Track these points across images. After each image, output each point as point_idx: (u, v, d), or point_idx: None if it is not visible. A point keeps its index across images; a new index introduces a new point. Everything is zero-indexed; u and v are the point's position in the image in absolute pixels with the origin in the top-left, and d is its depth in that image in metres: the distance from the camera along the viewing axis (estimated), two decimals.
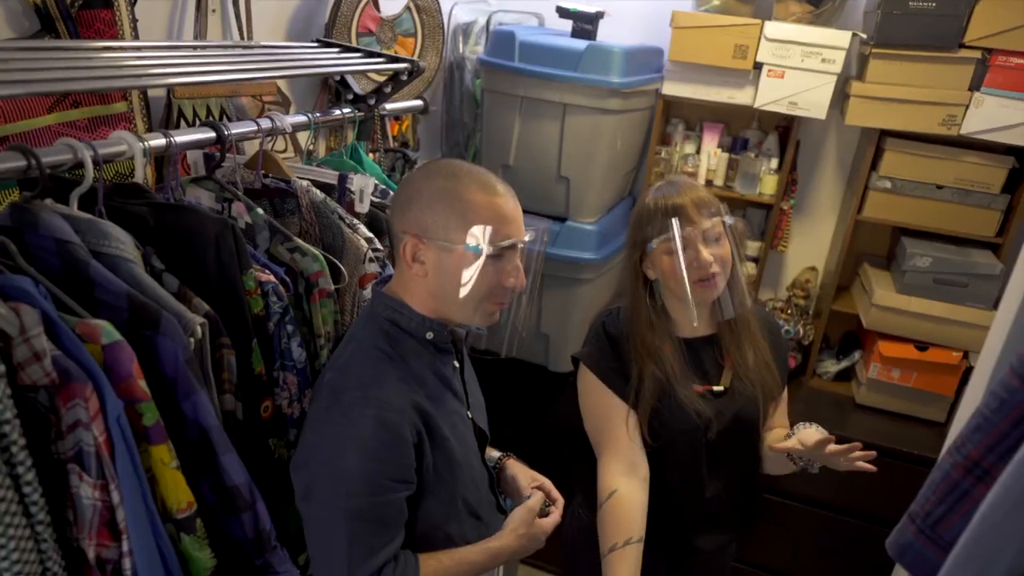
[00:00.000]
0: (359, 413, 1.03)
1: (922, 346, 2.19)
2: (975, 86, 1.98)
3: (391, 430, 1.03)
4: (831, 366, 2.44)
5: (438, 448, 1.10)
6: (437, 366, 1.15)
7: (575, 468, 1.56)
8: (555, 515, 1.26)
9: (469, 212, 1.06)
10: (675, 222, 1.28)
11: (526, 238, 1.13)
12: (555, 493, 1.31)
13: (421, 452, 1.07)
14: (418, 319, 1.12)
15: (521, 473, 1.32)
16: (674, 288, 1.32)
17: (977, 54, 1.95)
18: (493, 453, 1.35)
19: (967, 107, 1.99)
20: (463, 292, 1.08)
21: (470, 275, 1.07)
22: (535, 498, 1.25)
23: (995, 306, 2.06)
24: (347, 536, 1.03)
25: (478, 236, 1.06)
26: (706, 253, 1.28)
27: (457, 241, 1.06)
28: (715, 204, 1.32)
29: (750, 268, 2.43)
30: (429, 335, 1.13)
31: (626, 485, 1.34)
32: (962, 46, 1.97)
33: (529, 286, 1.26)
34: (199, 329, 1.06)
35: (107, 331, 0.94)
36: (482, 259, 1.06)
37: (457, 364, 1.21)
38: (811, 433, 1.32)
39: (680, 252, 1.28)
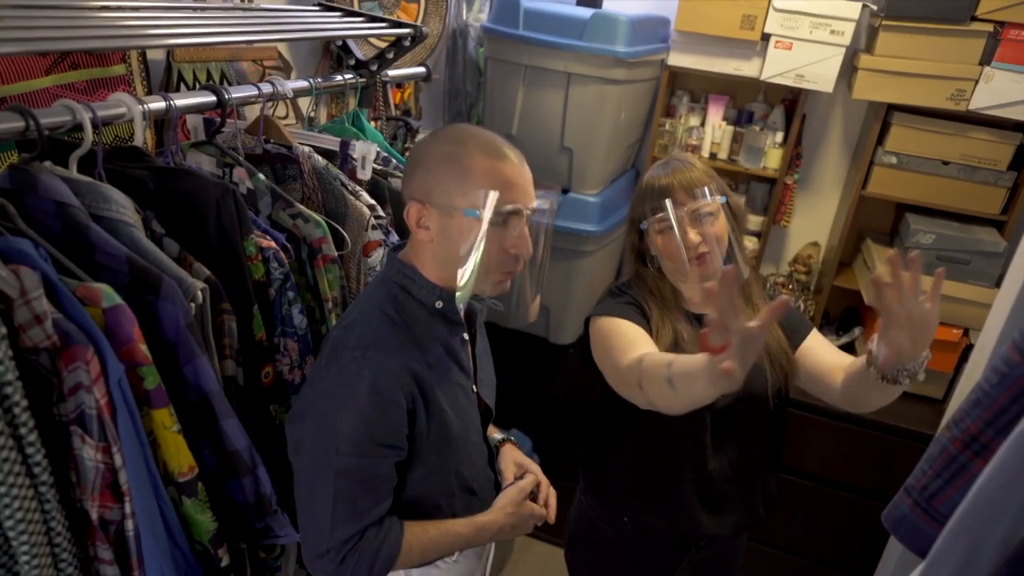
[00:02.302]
0: (355, 373, 1.02)
1: None
2: (985, 60, 1.95)
3: (384, 393, 1.03)
4: (831, 342, 2.44)
5: (433, 418, 1.09)
6: (444, 336, 1.14)
7: (578, 451, 1.55)
8: (545, 510, 1.26)
9: (470, 176, 1.03)
10: (668, 203, 1.28)
11: (534, 205, 1.09)
12: (544, 484, 1.30)
13: (414, 419, 1.07)
14: (428, 287, 1.11)
15: (510, 459, 1.31)
16: (669, 267, 1.34)
17: (989, 27, 1.92)
18: (496, 435, 1.35)
19: (976, 82, 1.96)
20: (467, 260, 1.05)
21: (471, 242, 1.04)
22: (527, 479, 1.25)
23: (997, 284, 2.05)
24: (332, 494, 1.03)
25: (477, 201, 1.03)
26: (693, 234, 1.27)
27: (458, 206, 1.03)
28: (709, 183, 1.30)
29: (752, 243, 2.43)
30: (438, 304, 1.12)
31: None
32: (973, 19, 1.94)
33: (541, 255, 1.21)
34: (200, 294, 1.06)
35: (108, 295, 0.94)
36: (483, 226, 1.02)
37: (467, 337, 1.19)
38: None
39: (675, 229, 1.28)
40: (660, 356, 1.17)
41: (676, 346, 1.34)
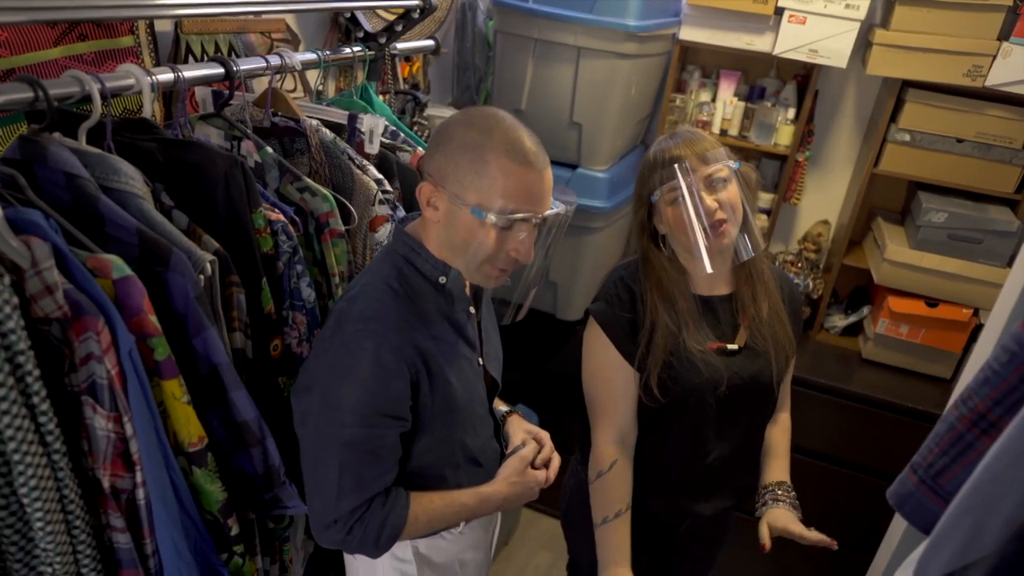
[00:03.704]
0: (358, 345, 1.03)
1: (932, 302, 2.17)
2: (1004, 35, 1.92)
3: (386, 365, 1.03)
4: (839, 320, 2.44)
5: (438, 389, 1.10)
6: (448, 310, 1.14)
7: (573, 426, 1.55)
8: (546, 472, 1.27)
9: (487, 176, 1.01)
10: (677, 168, 1.24)
11: (546, 213, 1.07)
12: (548, 448, 1.31)
13: (418, 390, 1.08)
14: (433, 262, 1.11)
15: (519, 428, 1.32)
16: (682, 240, 1.28)
17: (1008, 1, 1.88)
18: (501, 407, 1.35)
19: (994, 57, 1.93)
20: (464, 253, 1.07)
21: (471, 238, 1.05)
22: (528, 448, 1.26)
23: (1009, 264, 2.04)
24: (338, 465, 1.05)
25: (486, 202, 1.02)
26: (709, 200, 1.24)
27: (468, 200, 1.03)
28: (718, 145, 1.28)
29: (762, 220, 2.41)
30: (442, 279, 1.12)
31: (622, 456, 1.36)
32: None
33: (543, 259, 1.23)
34: (209, 266, 1.07)
35: (118, 266, 0.94)
36: (486, 227, 1.03)
37: (472, 311, 1.19)
38: (781, 518, 1.40)
39: (688, 198, 1.24)
40: (616, 493, 1.37)
41: (675, 347, 1.32)
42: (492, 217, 1.02)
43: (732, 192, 1.26)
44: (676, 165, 1.24)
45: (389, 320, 1.06)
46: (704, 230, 1.25)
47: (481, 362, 1.22)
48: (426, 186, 1.06)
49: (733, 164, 1.27)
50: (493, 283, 1.13)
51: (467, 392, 1.16)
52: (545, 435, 1.33)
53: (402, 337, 1.06)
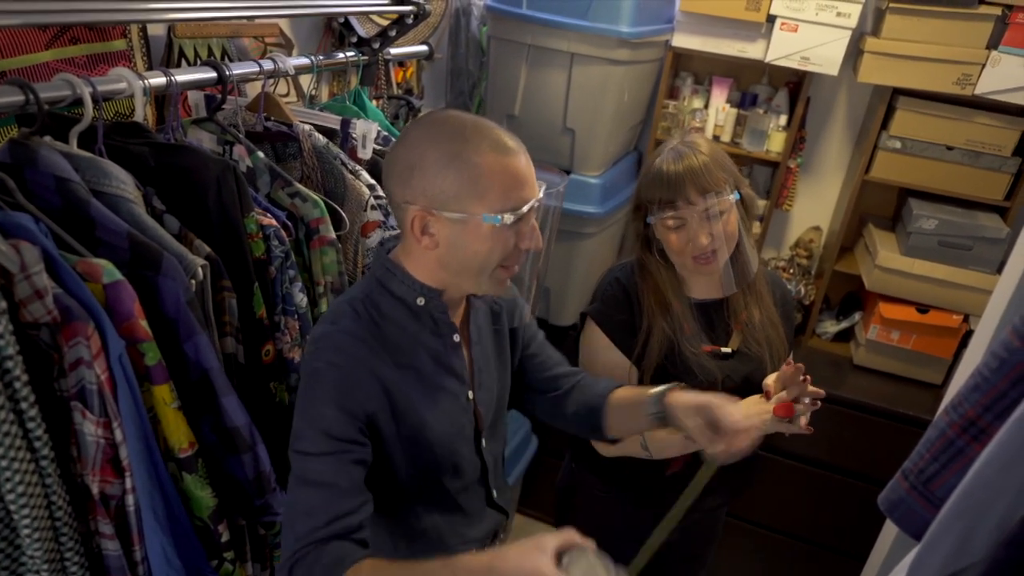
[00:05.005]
0: (310, 367, 0.97)
1: (923, 308, 2.19)
2: (993, 44, 1.94)
3: (335, 386, 0.95)
4: (830, 326, 2.45)
5: (404, 422, 1.00)
6: (426, 338, 1.04)
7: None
8: None
9: (483, 178, 0.94)
10: (676, 202, 1.24)
11: (542, 193, 1.02)
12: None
13: (376, 420, 0.98)
14: (409, 282, 1.02)
15: (689, 407, 1.04)
16: (676, 261, 1.32)
17: (996, 11, 1.90)
18: (653, 390, 1.11)
19: (983, 66, 1.95)
20: (479, 263, 0.98)
21: (488, 245, 0.97)
22: (559, 538, 0.82)
23: (999, 270, 2.05)
24: (293, 499, 0.94)
25: (497, 205, 0.95)
26: (703, 237, 1.24)
27: (474, 211, 0.95)
28: (721, 175, 1.25)
29: (754, 226, 2.41)
30: (420, 301, 1.02)
31: None
32: (981, 2, 1.92)
33: (545, 246, 1.15)
34: (200, 271, 1.06)
35: (108, 270, 0.94)
36: (502, 229, 0.96)
37: (456, 339, 1.07)
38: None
39: (685, 230, 1.26)
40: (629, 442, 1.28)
41: (670, 350, 1.32)
42: (508, 217, 0.95)
43: (730, 222, 1.27)
44: (675, 199, 1.24)
45: (341, 342, 0.98)
46: (693, 258, 1.27)
47: (471, 396, 1.10)
48: (417, 215, 0.96)
49: (733, 197, 1.27)
50: (503, 287, 1.04)
51: (446, 429, 1.05)
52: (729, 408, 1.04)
53: (354, 360, 0.97)
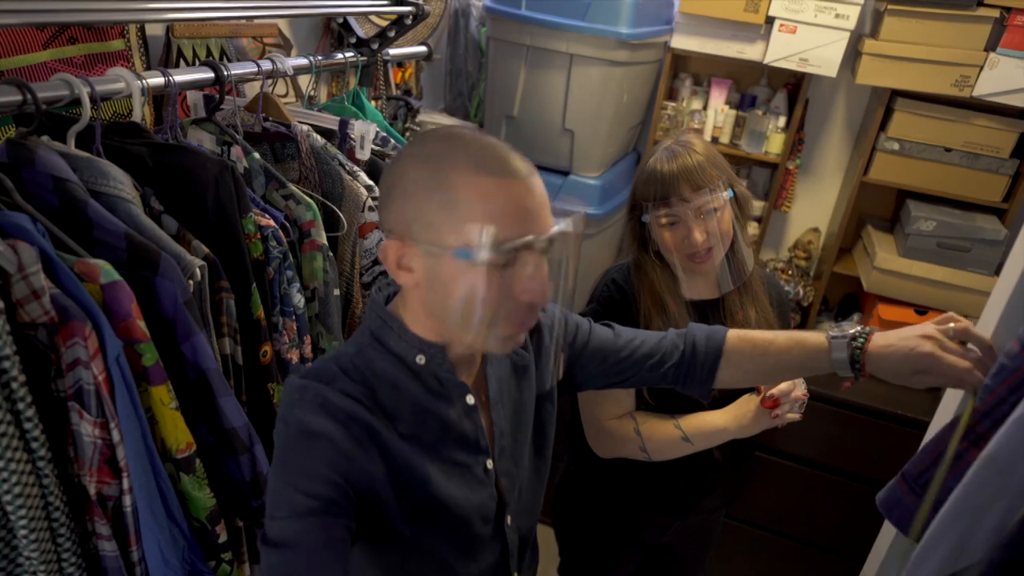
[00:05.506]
0: (295, 428, 0.79)
1: (921, 310, 2.19)
2: (991, 46, 1.94)
3: (327, 457, 0.78)
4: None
5: (407, 500, 0.83)
6: (432, 403, 0.86)
7: (563, 428, 1.56)
8: None
9: (460, 202, 0.75)
10: (670, 199, 1.25)
11: (552, 232, 0.79)
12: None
13: (374, 499, 0.81)
14: (408, 338, 0.85)
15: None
16: (671, 260, 1.32)
17: (995, 13, 1.90)
18: (838, 332, 0.98)
19: (981, 68, 1.95)
20: (462, 312, 0.78)
21: (466, 292, 0.77)
22: None
23: (997, 272, 2.05)
24: (268, 568, 0.76)
25: (474, 238, 0.74)
26: (697, 233, 1.24)
27: (447, 243, 0.76)
28: (715, 172, 1.25)
29: (752, 228, 2.42)
30: (420, 359, 0.85)
31: (639, 416, 1.35)
32: (979, 4, 1.92)
33: (565, 287, 0.88)
34: (198, 271, 1.06)
35: (106, 271, 0.94)
36: (480, 270, 0.76)
37: (471, 402, 0.89)
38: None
39: (679, 227, 1.26)
40: (658, 419, 1.32)
41: None
42: (483, 254, 0.74)
43: (724, 220, 1.27)
44: (669, 197, 1.24)
45: (334, 401, 0.80)
46: (687, 256, 1.27)
47: (491, 466, 0.92)
48: (391, 245, 0.80)
49: (727, 195, 1.27)
50: (510, 345, 0.84)
51: (458, 507, 0.87)
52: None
53: (348, 420, 0.80)
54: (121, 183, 1.05)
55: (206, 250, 1.11)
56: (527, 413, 0.98)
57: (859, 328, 0.97)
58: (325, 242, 1.36)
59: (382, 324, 0.87)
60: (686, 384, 1.06)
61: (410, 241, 0.79)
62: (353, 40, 1.86)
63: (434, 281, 0.79)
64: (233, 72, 1.31)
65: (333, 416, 0.79)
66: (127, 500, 0.99)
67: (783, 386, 1.28)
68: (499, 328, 0.80)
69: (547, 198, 0.80)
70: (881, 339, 0.94)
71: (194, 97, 1.46)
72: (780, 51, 2.13)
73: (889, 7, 1.98)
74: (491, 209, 0.75)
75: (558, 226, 0.80)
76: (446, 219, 0.76)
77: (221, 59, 1.63)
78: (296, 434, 0.79)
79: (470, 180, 0.75)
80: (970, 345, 0.91)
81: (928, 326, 0.93)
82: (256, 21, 1.71)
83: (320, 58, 1.59)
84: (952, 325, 0.92)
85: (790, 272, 2.45)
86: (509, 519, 0.95)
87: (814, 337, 0.99)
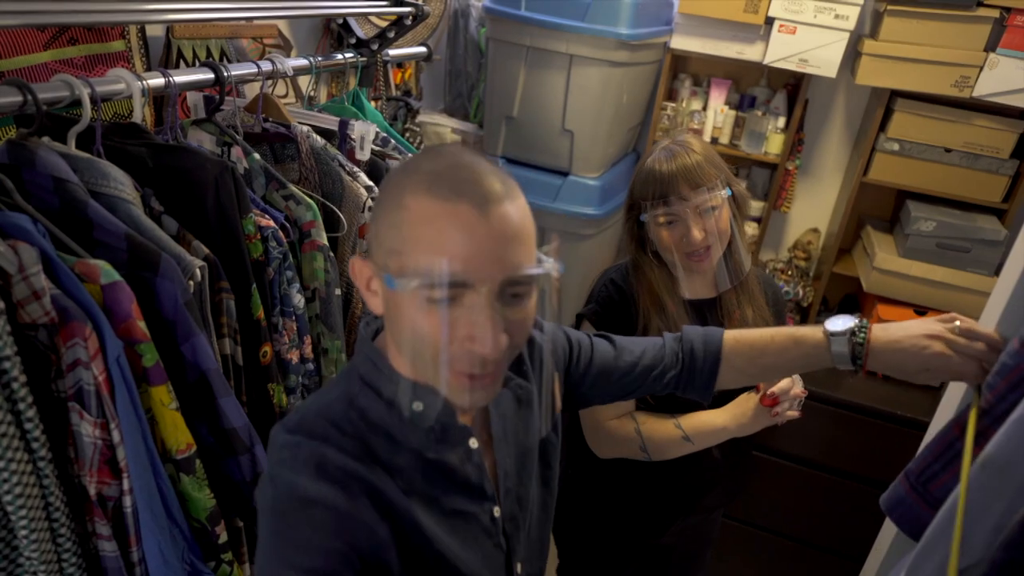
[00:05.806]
0: (271, 495, 0.72)
1: (921, 311, 2.19)
2: (991, 47, 1.94)
3: (326, 527, 0.70)
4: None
5: (409, 556, 0.76)
6: (430, 450, 0.78)
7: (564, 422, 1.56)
8: None
9: (404, 225, 0.68)
10: (668, 197, 1.25)
11: (505, 276, 0.68)
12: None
13: (381, 564, 0.73)
14: (400, 383, 0.76)
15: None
16: (669, 259, 1.32)
17: (994, 13, 1.91)
18: (838, 325, 0.97)
19: (981, 68, 1.95)
20: (409, 349, 0.72)
21: (412, 322, 0.69)
22: None
23: (997, 272, 2.05)
24: None
25: (408, 265, 0.67)
26: (696, 231, 1.25)
27: (388, 267, 0.70)
28: (713, 172, 1.26)
29: (752, 228, 2.42)
30: (417, 406, 0.76)
31: (638, 416, 1.35)
32: (979, 4, 1.92)
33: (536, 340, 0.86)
34: (198, 272, 1.06)
35: (106, 271, 0.94)
36: (413, 303, 0.68)
37: (474, 445, 0.81)
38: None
39: (677, 226, 1.26)
40: (658, 419, 1.31)
41: None
42: (405, 283, 0.66)
43: (722, 218, 1.27)
44: (667, 195, 1.25)
45: (329, 459, 0.73)
46: (686, 255, 1.28)
47: (497, 514, 0.84)
48: (356, 262, 0.75)
49: (725, 193, 1.27)
50: (463, 398, 0.73)
51: (465, 565, 0.80)
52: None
53: (347, 481, 0.72)
54: (121, 184, 1.05)
55: (206, 251, 1.11)
56: (532, 448, 0.91)
57: (857, 322, 0.96)
58: (325, 242, 1.36)
59: (372, 367, 0.79)
60: (687, 390, 1.06)
61: (369, 261, 0.74)
62: (353, 41, 1.86)
63: (388, 309, 0.74)
64: (233, 73, 1.31)
65: (331, 478, 0.71)
66: (127, 500, 0.99)
67: (782, 384, 1.28)
68: (444, 372, 0.70)
69: (522, 231, 0.69)
70: (883, 333, 0.94)
71: (194, 98, 1.46)
72: (780, 52, 2.13)
73: (889, 7, 1.98)
74: (430, 235, 0.67)
75: (526, 269, 0.69)
76: (391, 239, 0.69)
77: (221, 60, 1.63)
78: (289, 501, 0.70)
79: (416, 200, 0.68)
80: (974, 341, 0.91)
81: (934, 324, 0.92)
82: (256, 22, 1.71)
83: (320, 59, 1.59)
84: (958, 323, 0.92)
85: (790, 272, 2.45)
86: (519, 567, 0.90)
87: (811, 333, 0.99)
